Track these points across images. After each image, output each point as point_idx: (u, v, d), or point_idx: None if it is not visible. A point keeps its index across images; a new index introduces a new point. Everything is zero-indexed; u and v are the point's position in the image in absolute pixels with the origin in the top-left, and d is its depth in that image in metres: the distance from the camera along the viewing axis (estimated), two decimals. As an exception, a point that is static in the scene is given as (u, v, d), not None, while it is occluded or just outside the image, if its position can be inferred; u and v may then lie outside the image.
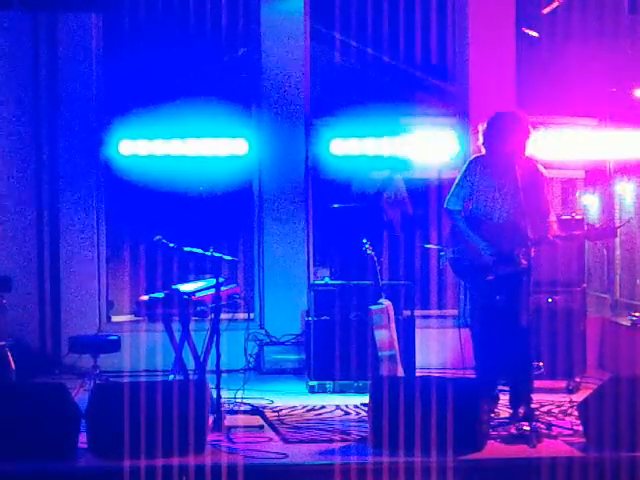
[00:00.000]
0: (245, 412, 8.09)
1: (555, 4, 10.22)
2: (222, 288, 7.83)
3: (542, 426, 7.35)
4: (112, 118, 10.03)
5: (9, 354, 8.94)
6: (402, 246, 10.04)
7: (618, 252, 10.57)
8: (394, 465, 6.57)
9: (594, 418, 7.01)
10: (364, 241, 8.84)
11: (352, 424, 7.77)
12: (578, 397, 8.13)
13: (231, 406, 8.12)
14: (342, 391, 9.03)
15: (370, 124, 10.10)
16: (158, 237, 8.15)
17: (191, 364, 8.39)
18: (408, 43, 10.42)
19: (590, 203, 10.61)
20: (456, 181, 7.82)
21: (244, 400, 8.34)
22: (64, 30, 9.99)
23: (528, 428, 7.13)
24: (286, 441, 7.25)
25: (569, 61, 10.41)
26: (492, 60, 10.16)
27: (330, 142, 10.07)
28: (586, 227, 8.62)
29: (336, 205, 9.77)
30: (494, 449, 6.96)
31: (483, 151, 7.72)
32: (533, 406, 7.62)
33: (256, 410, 8.18)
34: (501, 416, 7.80)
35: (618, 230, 7.65)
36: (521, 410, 7.53)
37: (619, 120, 10.12)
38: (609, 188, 10.48)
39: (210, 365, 8.00)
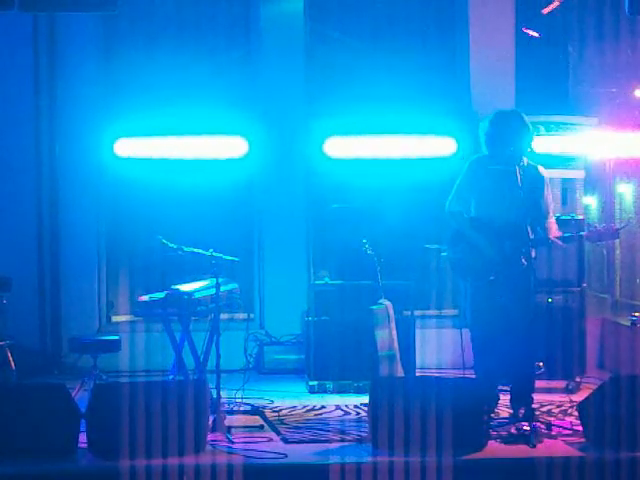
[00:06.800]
0: (245, 412, 8.10)
1: (555, 4, 10.22)
2: (222, 288, 7.84)
3: (542, 426, 7.36)
4: (112, 118, 10.03)
5: (9, 354, 8.95)
6: (402, 246, 10.03)
7: (618, 252, 10.56)
8: (394, 465, 6.57)
9: (594, 418, 7.01)
10: (364, 241, 8.84)
11: (352, 424, 7.77)
12: (578, 397, 8.13)
13: (231, 406, 8.12)
14: (342, 391, 9.04)
15: (369, 124, 10.11)
16: (159, 237, 8.16)
17: (191, 364, 8.40)
18: (408, 43, 10.43)
19: (590, 203, 10.60)
20: (457, 182, 7.82)
21: (244, 400, 8.34)
22: (64, 30, 10.00)
23: (528, 428, 7.13)
24: (286, 441, 7.25)
25: (569, 61, 10.42)
26: (492, 60, 10.17)
27: (329, 141, 10.09)
28: (587, 229, 8.61)
29: (336, 205, 9.76)
30: (494, 449, 6.96)
31: (484, 150, 7.72)
32: (533, 406, 7.62)
33: (256, 410, 8.18)
34: (501, 416, 7.81)
35: (620, 232, 7.64)
36: (521, 410, 7.54)
37: (619, 120, 10.12)
38: (609, 188, 10.47)
39: (210, 365, 8.00)
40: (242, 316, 9.90)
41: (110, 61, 10.22)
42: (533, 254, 7.61)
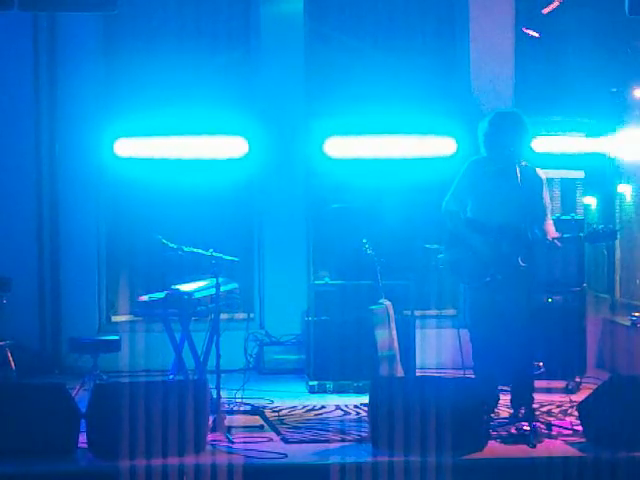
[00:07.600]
0: (245, 412, 8.09)
1: (555, 4, 10.22)
2: (222, 288, 7.84)
3: (542, 426, 7.36)
4: (112, 118, 10.03)
5: (9, 354, 8.95)
6: (402, 246, 10.03)
7: (618, 252, 10.56)
8: (394, 465, 6.57)
9: (594, 418, 7.01)
10: (364, 241, 8.84)
11: (352, 424, 7.77)
12: (578, 397, 8.12)
13: (231, 406, 8.12)
14: (342, 391, 9.03)
15: (369, 124, 10.12)
16: (159, 237, 8.16)
17: (191, 364, 8.40)
18: (408, 43, 10.43)
19: (590, 203, 10.60)
20: (455, 182, 7.82)
21: (244, 400, 8.34)
22: (64, 30, 10.01)
23: (528, 428, 7.13)
24: (286, 441, 7.25)
25: (569, 61, 10.42)
26: (492, 60, 10.17)
27: (329, 141, 10.09)
28: (587, 229, 8.62)
29: (336, 205, 9.76)
30: (494, 449, 6.96)
31: (483, 151, 7.71)
32: (533, 406, 7.62)
33: (256, 410, 8.18)
34: (501, 416, 7.81)
35: (618, 233, 7.64)
36: (521, 410, 7.54)
37: (619, 120, 10.12)
38: (609, 188, 10.47)
39: (210, 365, 8.00)
40: (242, 316, 9.90)
41: (110, 61, 10.22)
42: (531, 255, 7.60)
